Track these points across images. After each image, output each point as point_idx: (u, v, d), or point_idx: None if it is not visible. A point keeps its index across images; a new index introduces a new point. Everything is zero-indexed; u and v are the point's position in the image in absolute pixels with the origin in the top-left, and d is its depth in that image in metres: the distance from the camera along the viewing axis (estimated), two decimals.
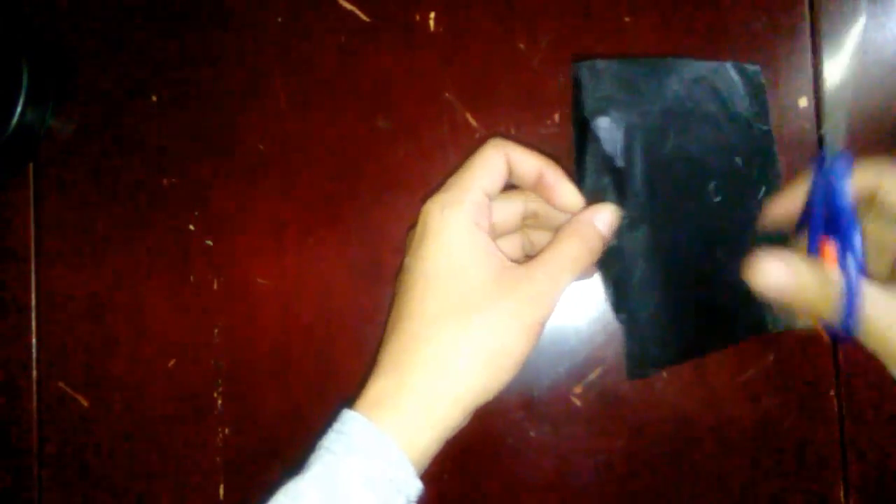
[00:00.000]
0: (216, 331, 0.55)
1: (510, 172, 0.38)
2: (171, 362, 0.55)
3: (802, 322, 0.38)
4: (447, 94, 0.53)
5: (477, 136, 0.53)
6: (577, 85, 0.39)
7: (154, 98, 0.56)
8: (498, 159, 0.37)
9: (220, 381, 0.55)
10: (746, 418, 0.50)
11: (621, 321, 0.40)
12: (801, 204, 0.37)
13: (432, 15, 0.53)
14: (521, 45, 0.52)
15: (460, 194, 0.36)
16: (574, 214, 0.37)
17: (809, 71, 0.50)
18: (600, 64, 0.38)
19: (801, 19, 0.50)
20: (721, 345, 0.46)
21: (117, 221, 0.56)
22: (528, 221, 0.40)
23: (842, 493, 0.49)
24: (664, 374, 0.51)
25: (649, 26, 0.51)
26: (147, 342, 0.55)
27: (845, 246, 0.32)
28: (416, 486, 0.33)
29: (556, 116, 0.51)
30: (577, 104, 0.39)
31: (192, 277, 0.55)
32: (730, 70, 0.40)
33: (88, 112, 0.57)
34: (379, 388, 0.34)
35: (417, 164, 0.53)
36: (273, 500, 0.31)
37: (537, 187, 0.38)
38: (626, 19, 0.51)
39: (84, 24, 0.57)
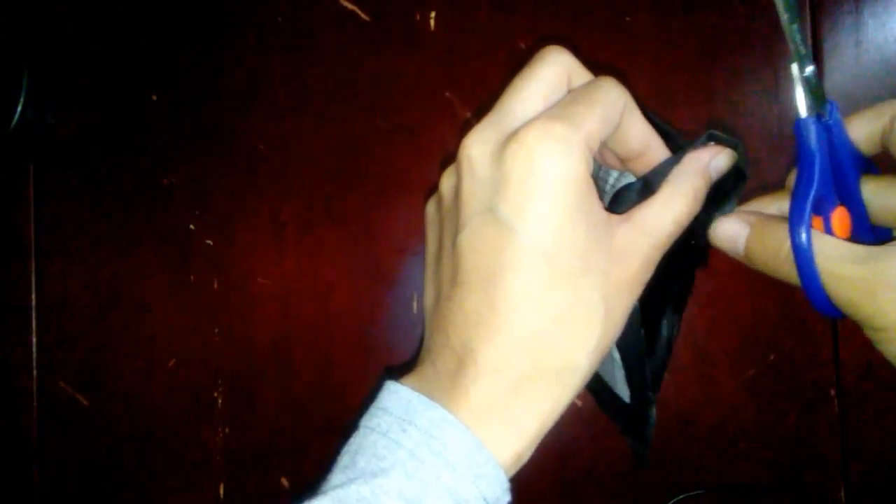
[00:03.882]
0: (216, 331, 0.55)
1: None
2: (171, 362, 0.55)
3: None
4: (447, 94, 0.53)
5: None
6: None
7: (154, 98, 0.56)
8: (620, 107, 0.29)
9: (220, 381, 0.55)
10: (746, 418, 0.50)
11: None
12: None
13: (432, 15, 0.53)
14: (522, 45, 0.52)
15: (585, 136, 0.27)
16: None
17: None
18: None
19: (800, 19, 0.50)
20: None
21: (117, 221, 0.56)
22: None
23: (842, 493, 0.49)
24: (665, 374, 0.51)
25: (649, 26, 0.51)
26: (147, 342, 0.55)
27: (799, 204, 0.28)
28: (506, 501, 0.29)
29: None
30: None
31: (192, 277, 0.55)
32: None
33: (88, 112, 0.57)
34: (487, 393, 0.28)
35: (417, 164, 0.53)
36: None
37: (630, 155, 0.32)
38: (627, 19, 0.51)
39: (84, 24, 0.57)
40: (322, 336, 0.54)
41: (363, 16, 0.54)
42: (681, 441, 0.50)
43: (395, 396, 0.29)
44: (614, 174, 0.33)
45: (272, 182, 0.54)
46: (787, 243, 0.28)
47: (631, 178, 0.32)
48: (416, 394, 0.29)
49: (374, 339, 0.53)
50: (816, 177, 0.28)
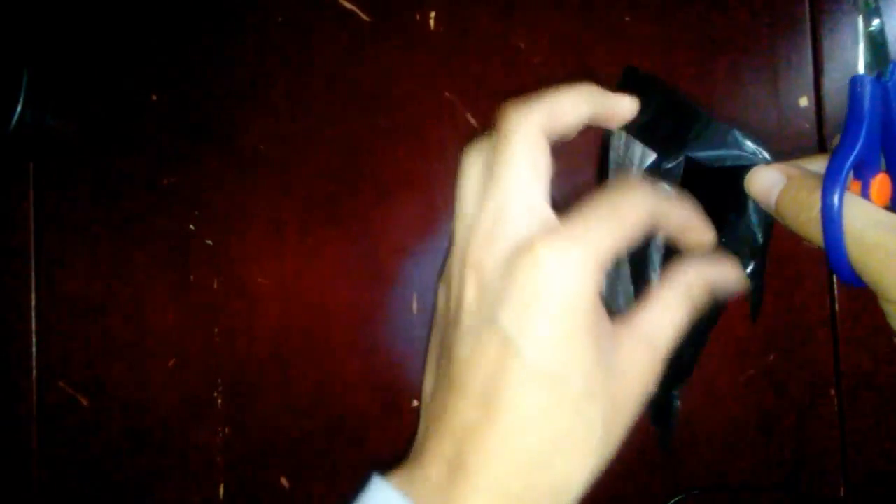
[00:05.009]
0: (216, 331, 0.55)
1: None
2: (171, 362, 0.55)
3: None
4: (447, 94, 0.53)
5: (477, 136, 0.53)
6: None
7: (154, 98, 0.56)
8: (642, 218, 0.28)
9: (220, 381, 0.55)
10: (746, 418, 0.50)
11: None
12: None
13: (432, 15, 0.53)
14: (521, 45, 0.52)
15: (600, 257, 0.27)
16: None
17: (809, 71, 0.50)
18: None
19: (801, 19, 0.50)
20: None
21: (117, 221, 0.56)
22: None
23: (842, 493, 0.49)
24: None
25: (649, 26, 0.51)
26: (147, 342, 0.55)
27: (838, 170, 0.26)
28: None
29: None
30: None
31: (192, 277, 0.55)
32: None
33: (88, 112, 0.57)
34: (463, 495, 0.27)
35: (417, 163, 0.53)
36: None
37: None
38: (627, 19, 0.51)
39: (84, 24, 0.57)
40: (322, 336, 0.54)
41: (363, 16, 0.54)
42: (681, 441, 0.50)
43: (382, 497, 0.28)
44: (638, 151, 0.33)
45: (272, 182, 0.54)
46: (819, 202, 0.27)
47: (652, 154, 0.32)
48: (403, 502, 0.28)
49: (373, 339, 0.53)
50: (862, 138, 0.27)
